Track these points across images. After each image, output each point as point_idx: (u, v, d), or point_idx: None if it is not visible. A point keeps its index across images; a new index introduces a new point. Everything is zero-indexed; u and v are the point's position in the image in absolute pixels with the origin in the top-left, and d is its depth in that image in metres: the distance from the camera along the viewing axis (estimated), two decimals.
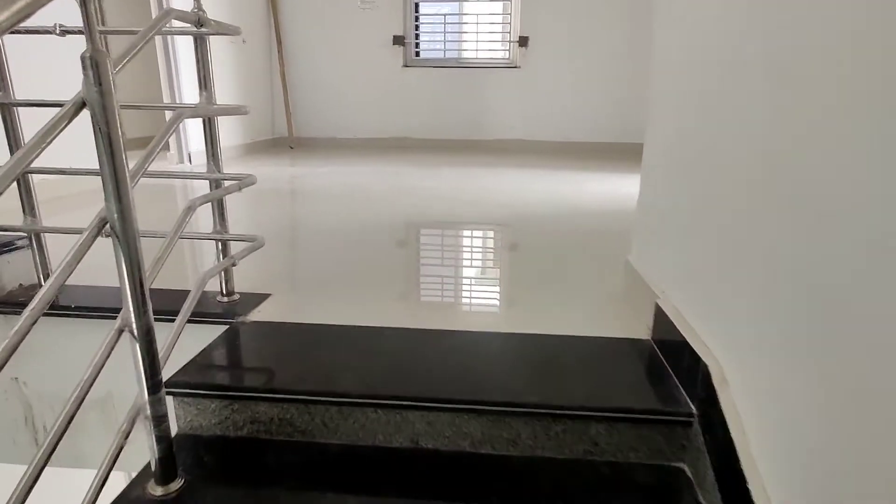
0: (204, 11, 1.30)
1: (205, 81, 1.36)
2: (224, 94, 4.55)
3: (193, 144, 4.08)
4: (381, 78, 5.45)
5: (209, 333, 1.27)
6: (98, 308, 1.40)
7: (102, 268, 1.07)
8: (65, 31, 1.30)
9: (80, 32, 0.91)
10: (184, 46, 3.84)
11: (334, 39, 5.40)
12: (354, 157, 4.95)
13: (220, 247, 1.43)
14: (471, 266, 1.95)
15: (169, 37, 3.74)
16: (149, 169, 0.94)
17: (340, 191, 3.30)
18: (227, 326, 1.31)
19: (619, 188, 3.40)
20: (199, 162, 4.19)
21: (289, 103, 5.47)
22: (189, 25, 1.30)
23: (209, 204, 1.34)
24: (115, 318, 0.83)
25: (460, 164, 4.40)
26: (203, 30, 1.32)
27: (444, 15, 5.28)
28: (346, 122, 5.62)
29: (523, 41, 5.22)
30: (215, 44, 3.97)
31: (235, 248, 1.46)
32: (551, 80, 5.30)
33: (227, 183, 1.37)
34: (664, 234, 1.26)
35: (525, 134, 5.48)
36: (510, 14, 5.26)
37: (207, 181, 1.40)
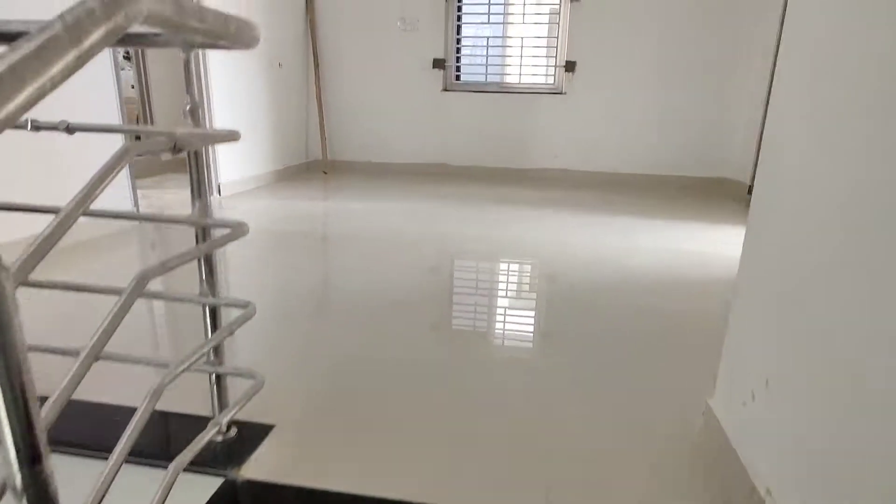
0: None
1: (192, 104, 1.07)
2: (257, 117, 4.42)
3: (226, 173, 3.95)
4: (419, 102, 5.25)
5: (190, 492, 1.05)
6: None
7: None
8: None
9: None
10: (217, 62, 3.71)
11: (373, 61, 5.22)
12: (390, 186, 4.76)
13: (209, 318, 1.14)
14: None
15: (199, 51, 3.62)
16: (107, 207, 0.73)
17: (372, 236, 3.09)
18: (222, 481, 1.10)
19: (678, 244, 3.09)
20: (235, 192, 4.06)
21: (324, 127, 5.32)
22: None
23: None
24: None
25: (500, 200, 4.14)
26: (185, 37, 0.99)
27: (487, 38, 5.03)
28: (382, 146, 5.43)
29: (570, 66, 4.92)
30: (250, 65, 3.82)
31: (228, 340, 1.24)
32: (599, 108, 4.99)
33: (215, 232, 1.10)
34: (784, 390, 0.96)
35: (570, 163, 5.17)
36: (556, 37, 4.97)
37: (195, 228, 1.11)
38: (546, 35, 5.09)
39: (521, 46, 5.00)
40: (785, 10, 4.33)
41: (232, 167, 4.04)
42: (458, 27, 5.15)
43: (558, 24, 4.94)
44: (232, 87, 4.01)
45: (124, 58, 4.79)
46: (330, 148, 5.49)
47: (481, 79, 5.20)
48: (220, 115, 3.84)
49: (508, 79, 5.19)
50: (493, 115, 5.17)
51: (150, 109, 4.92)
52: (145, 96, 4.90)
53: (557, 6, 4.92)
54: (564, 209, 3.92)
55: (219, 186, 3.86)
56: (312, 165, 5.47)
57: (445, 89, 5.22)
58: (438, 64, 5.12)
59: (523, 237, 3.18)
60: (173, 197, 3.96)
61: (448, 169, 5.36)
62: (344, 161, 5.52)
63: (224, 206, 3.73)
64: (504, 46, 5.17)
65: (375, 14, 5.09)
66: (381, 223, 3.42)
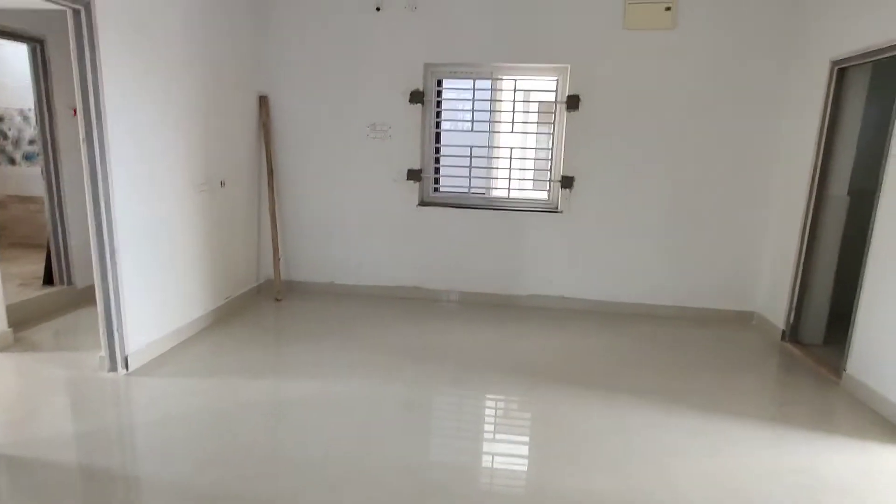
0: None
1: None
2: (185, 252, 3.56)
3: (138, 337, 3.04)
4: (391, 217, 4.48)
5: None
6: None
7: None
8: None
9: None
10: (123, 184, 2.86)
11: (338, 171, 4.46)
12: (356, 320, 3.90)
13: None
14: None
15: None
16: None
17: (316, 458, 2.20)
18: None
19: (737, 477, 2.27)
20: (154, 356, 3.15)
21: (278, 247, 4.49)
22: None
23: None
24: None
25: (482, 350, 3.32)
26: None
27: (471, 147, 4.34)
28: (348, 266, 4.61)
29: (567, 182, 4.24)
30: (174, 188, 2.96)
31: None
32: (601, 229, 4.29)
33: None
34: None
35: (568, 290, 4.42)
36: (551, 149, 4.31)
37: None
38: (538, 146, 4.44)
39: (511, 157, 4.31)
40: (824, 124, 3.65)
41: (148, 324, 3.14)
42: (438, 135, 4.46)
43: (552, 133, 4.29)
44: (142, 225, 3.17)
45: None
46: (287, 268, 4.65)
47: (464, 192, 4.48)
48: (126, 258, 2.99)
49: (496, 192, 4.48)
50: (477, 233, 4.43)
51: None
52: None
53: (552, 114, 4.28)
54: (559, 390, 3.11)
55: (125, 360, 2.94)
56: (266, 289, 4.60)
57: (422, 203, 4.47)
58: (414, 175, 4.39)
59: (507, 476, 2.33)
60: None
61: (423, 294, 4.55)
62: (303, 282, 4.67)
63: (128, 394, 2.81)
64: (490, 157, 4.49)
65: (342, 118, 4.37)
66: (333, 426, 2.55)
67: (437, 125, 4.42)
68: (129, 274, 2.92)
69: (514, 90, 4.23)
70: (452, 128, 4.60)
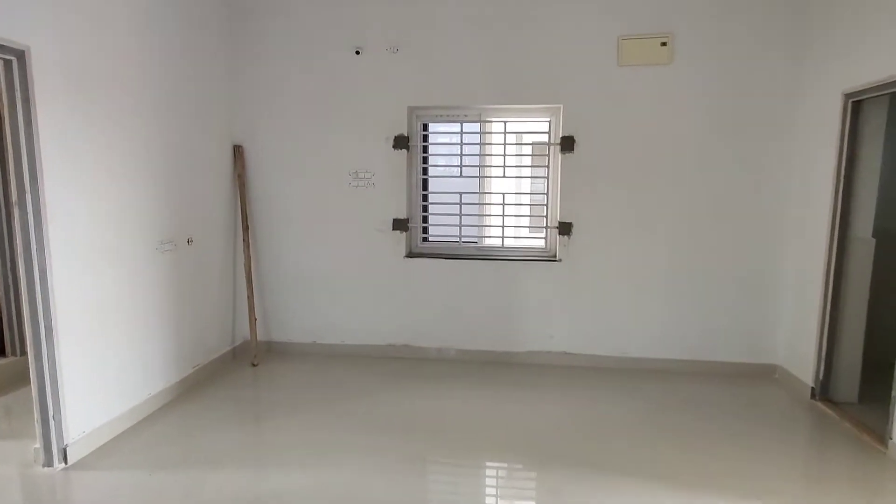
0: None
1: None
2: (152, 309, 3.21)
3: (80, 424, 2.66)
4: (377, 270, 4.15)
5: None
6: None
7: None
8: None
9: None
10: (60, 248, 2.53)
11: (319, 223, 4.15)
12: (341, 386, 3.52)
13: None
14: None
15: None
16: None
17: None
18: None
19: None
20: (102, 442, 2.76)
21: (254, 306, 4.13)
22: None
23: None
24: None
25: (478, 422, 2.92)
26: None
27: (460, 194, 4.05)
28: (330, 325, 4.25)
29: (565, 228, 3.93)
30: (138, 252, 2.50)
31: None
32: (603, 277, 3.95)
33: None
34: None
35: (570, 345, 4.05)
36: (546, 194, 4.02)
37: None
38: (532, 191, 4.16)
39: (503, 204, 4.01)
40: (841, 162, 3.16)
41: (95, 407, 2.76)
42: (425, 181, 4.17)
43: (547, 177, 4.01)
44: (88, 296, 2.84)
45: None
46: (266, 328, 4.28)
47: (454, 242, 4.16)
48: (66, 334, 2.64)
49: (489, 241, 4.17)
50: (469, 285, 4.09)
51: None
52: None
53: (545, 157, 4.00)
54: (564, 474, 2.71)
55: (64, 451, 2.55)
56: (242, 352, 4.22)
57: (410, 255, 4.15)
58: (400, 225, 4.08)
59: None
60: None
61: (413, 352, 4.17)
62: (283, 343, 4.30)
63: (65, 495, 2.40)
64: (482, 204, 4.19)
65: (322, 167, 4.09)
66: None
67: (424, 171, 4.14)
68: (70, 352, 2.56)
69: (505, 132, 3.97)
70: (440, 174, 4.32)
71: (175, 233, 3.40)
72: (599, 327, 4.01)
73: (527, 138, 4.20)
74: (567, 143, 3.85)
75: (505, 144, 3.97)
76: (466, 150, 4.05)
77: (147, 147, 3.12)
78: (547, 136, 3.97)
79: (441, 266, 4.10)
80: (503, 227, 4.06)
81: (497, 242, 4.12)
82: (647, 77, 3.74)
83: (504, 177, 4.03)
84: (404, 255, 4.12)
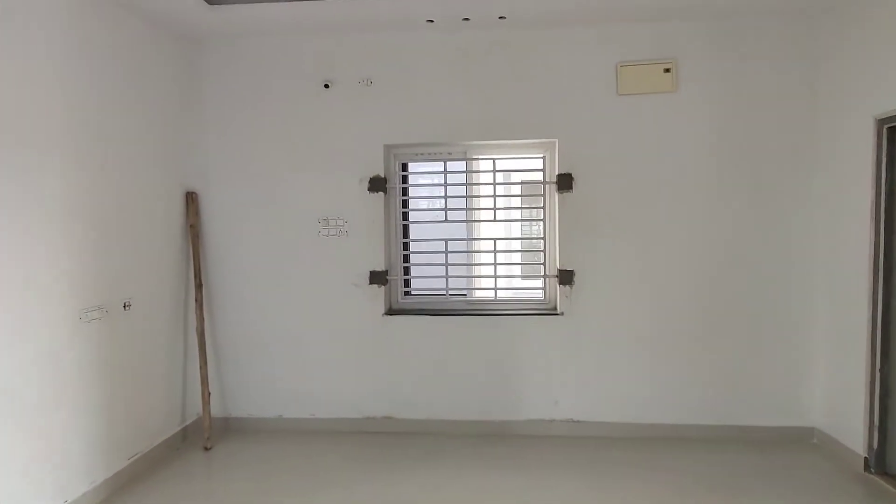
0: None
1: None
2: (73, 391, 2.61)
3: None
4: (352, 330, 3.60)
5: None
6: None
7: None
8: None
9: None
10: None
11: (282, 278, 3.62)
12: (310, 475, 2.91)
13: None
14: None
15: None
16: None
17: None
18: None
19: None
20: None
21: (207, 377, 3.53)
22: None
23: None
24: None
25: None
26: None
27: (446, 241, 3.57)
28: (297, 396, 3.66)
29: (565, 277, 3.46)
30: (54, 323, 1.92)
31: None
32: (611, 331, 3.46)
33: None
34: None
35: (578, 412, 3.51)
36: (544, 238, 3.56)
37: None
38: (528, 236, 3.71)
39: (495, 251, 3.54)
40: (880, 194, 2.76)
41: None
42: (405, 227, 3.69)
43: (544, 220, 3.56)
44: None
45: None
46: (223, 403, 3.67)
47: (441, 296, 3.65)
48: None
49: (479, 294, 3.67)
50: (459, 345, 3.55)
51: None
52: None
53: (541, 197, 3.56)
54: None
55: None
56: (194, 432, 3.58)
57: (390, 312, 3.62)
58: (378, 278, 3.57)
59: None
60: None
61: (396, 426, 3.59)
62: (244, 419, 3.68)
63: None
64: (470, 252, 3.71)
65: (287, 215, 3.59)
66: None
67: (405, 216, 3.67)
68: None
69: (494, 171, 3.53)
70: (422, 219, 3.85)
71: (107, 297, 2.83)
72: (609, 390, 3.48)
73: (519, 177, 3.77)
74: (564, 181, 3.42)
75: (494, 184, 3.53)
76: (451, 191, 3.59)
77: (76, 196, 2.60)
78: (542, 173, 3.54)
79: (426, 324, 3.57)
80: (496, 277, 3.56)
81: (489, 295, 3.62)
82: (650, 106, 3.36)
83: (495, 220, 3.56)
84: (383, 312, 3.59)
